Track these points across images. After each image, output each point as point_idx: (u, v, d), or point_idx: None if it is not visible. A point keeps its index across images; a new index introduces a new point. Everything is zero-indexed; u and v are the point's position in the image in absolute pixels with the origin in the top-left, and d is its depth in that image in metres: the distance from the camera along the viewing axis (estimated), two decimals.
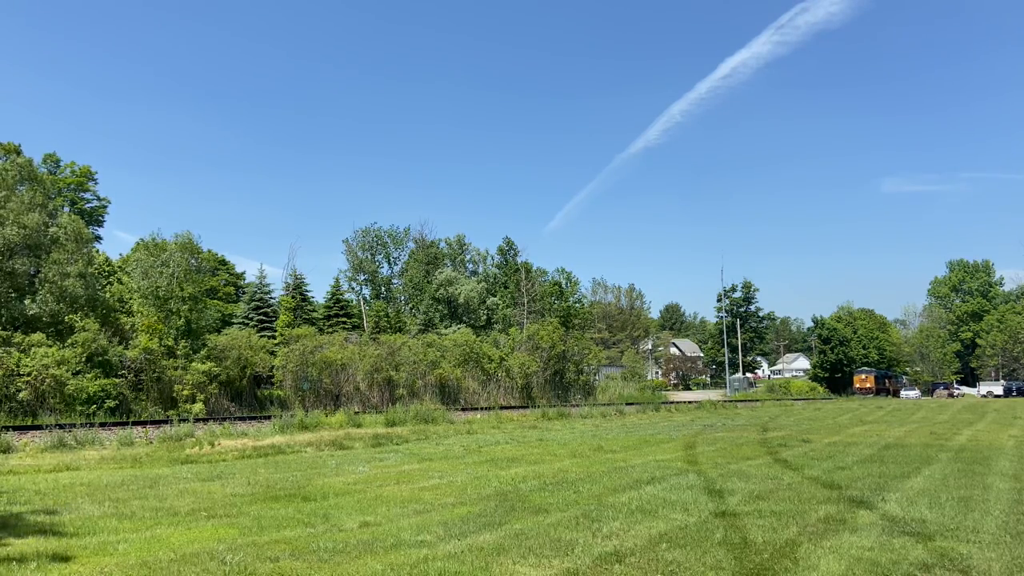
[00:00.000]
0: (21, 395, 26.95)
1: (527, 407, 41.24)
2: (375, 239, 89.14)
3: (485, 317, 76.99)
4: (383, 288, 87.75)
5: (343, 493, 11.55)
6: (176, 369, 31.91)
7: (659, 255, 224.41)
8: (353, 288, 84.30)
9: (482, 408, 39.28)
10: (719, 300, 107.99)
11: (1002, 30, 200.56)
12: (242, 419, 28.58)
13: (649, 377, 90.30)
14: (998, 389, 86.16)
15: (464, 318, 74.58)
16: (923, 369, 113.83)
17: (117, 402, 29.48)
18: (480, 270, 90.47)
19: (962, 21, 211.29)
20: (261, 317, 54.08)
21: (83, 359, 29.36)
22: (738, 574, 6.77)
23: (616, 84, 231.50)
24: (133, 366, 31.23)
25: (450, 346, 45.44)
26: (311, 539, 8.15)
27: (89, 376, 29.05)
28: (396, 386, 39.89)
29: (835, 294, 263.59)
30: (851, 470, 14.22)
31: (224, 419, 27.71)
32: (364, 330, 58.63)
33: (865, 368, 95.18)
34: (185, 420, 25.37)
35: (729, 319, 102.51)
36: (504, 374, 47.45)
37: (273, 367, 37.86)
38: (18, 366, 27.39)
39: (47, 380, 27.28)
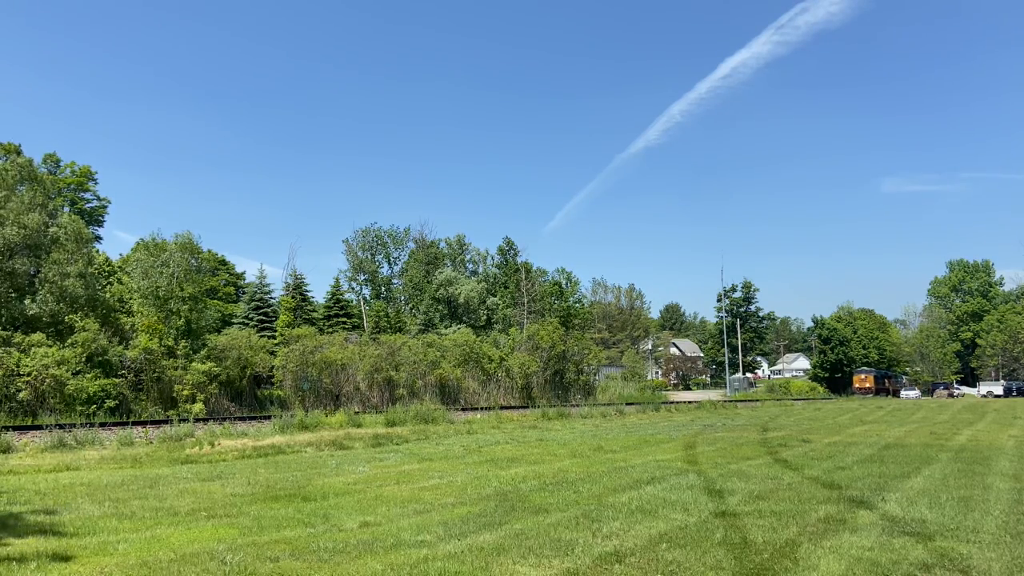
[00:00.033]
0: (21, 395, 26.95)
1: (527, 407, 41.23)
2: (375, 239, 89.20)
3: (485, 317, 76.99)
4: (383, 288, 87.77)
5: (343, 493, 11.55)
6: (176, 369, 31.91)
7: (659, 255, 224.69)
8: (353, 288, 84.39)
9: (482, 408, 39.27)
10: (719, 300, 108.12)
11: (1002, 30, 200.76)
12: (242, 419, 28.57)
13: (649, 377, 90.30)
14: (998, 389, 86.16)
15: (464, 318, 74.58)
16: (923, 369, 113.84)
17: (117, 402, 29.47)
18: (480, 270, 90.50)
19: (962, 21, 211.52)
20: (261, 317, 54.10)
21: (83, 359, 29.36)
22: (738, 574, 6.78)
23: (616, 84, 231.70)
24: (133, 366, 31.23)
25: (450, 346, 45.44)
26: (311, 539, 8.15)
27: (89, 376, 29.04)
28: (396, 386, 39.89)
29: (835, 294, 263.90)
30: (851, 470, 14.22)
31: (224, 419, 27.70)
32: (364, 330, 58.64)
33: (864, 368, 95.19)
34: (185, 420, 25.37)
35: (729, 319, 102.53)
36: (504, 374, 47.44)
37: (273, 367, 37.86)
38: (18, 366, 27.39)
39: (47, 380, 27.27)
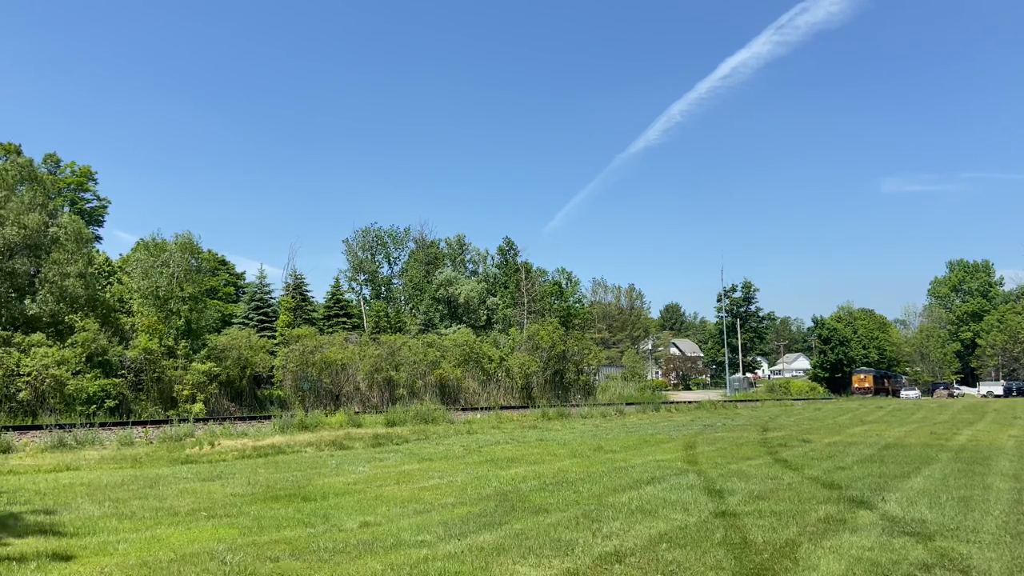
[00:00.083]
0: (21, 395, 26.95)
1: (527, 407, 41.23)
2: (375, 239, 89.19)
3: (485, 317, 77.00)
4: (383, 288, 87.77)
5: (343, 493, 11.55)
6: (176, 369, 31.91)
7: (659, 255, 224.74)
8: (353, 288, 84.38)
9: (482, 408, 39.27)
10: (719, 300, 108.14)
11: (1002, 30, 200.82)
12: (242, 419, 28.57)
13: (649, 377, 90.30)
14: (998, 389, 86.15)
15: (464, 318, 74.59)
16: (923, 369, 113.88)
17: (117, 402, 29.47)
18: (480, 270, 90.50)
19: (962, 21, 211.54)
20: (261, 317, 54.10)
21: (83, 359, 29.36)
22: (738, 574, 6.78)
23: (616, 84, 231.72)
24: (133, 366, 31.23)
25: (450, 346, 45.44)
26: (311, 539, 8.15)
27: (89, 376, 29.04)
28: (396, 386, 39.88)
29: (835, 294, 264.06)
30: (851, 470, 14.22)
31: (224, 419, 27.70)
32: (364, 330, 58.64)
33: (864, 368, 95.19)
34: (185, 420, 25.36)
35: (729, 319, 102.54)
36: (504, 374, 47.44)
37: (273, 367, 37.86)
38: (18, 366, 27.38)
39: (47, 380, 27.27)
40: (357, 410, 33.03)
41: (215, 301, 56.68)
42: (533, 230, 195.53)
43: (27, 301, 31.37)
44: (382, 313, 70.27)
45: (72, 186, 62.23)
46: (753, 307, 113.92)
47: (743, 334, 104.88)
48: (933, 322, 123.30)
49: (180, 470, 14.76)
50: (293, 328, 42.48)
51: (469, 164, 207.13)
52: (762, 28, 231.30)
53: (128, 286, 37.82)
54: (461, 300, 75.76)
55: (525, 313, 78.47)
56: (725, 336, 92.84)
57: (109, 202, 65.51)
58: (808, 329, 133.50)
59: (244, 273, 77.92)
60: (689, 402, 52.49)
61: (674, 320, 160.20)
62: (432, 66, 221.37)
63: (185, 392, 31.37)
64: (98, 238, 62.21)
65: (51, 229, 33.12)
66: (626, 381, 67.50)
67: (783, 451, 18.11)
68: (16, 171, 33.67)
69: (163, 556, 7.32)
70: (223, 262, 72.22)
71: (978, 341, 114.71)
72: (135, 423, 24.95)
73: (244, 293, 68.82)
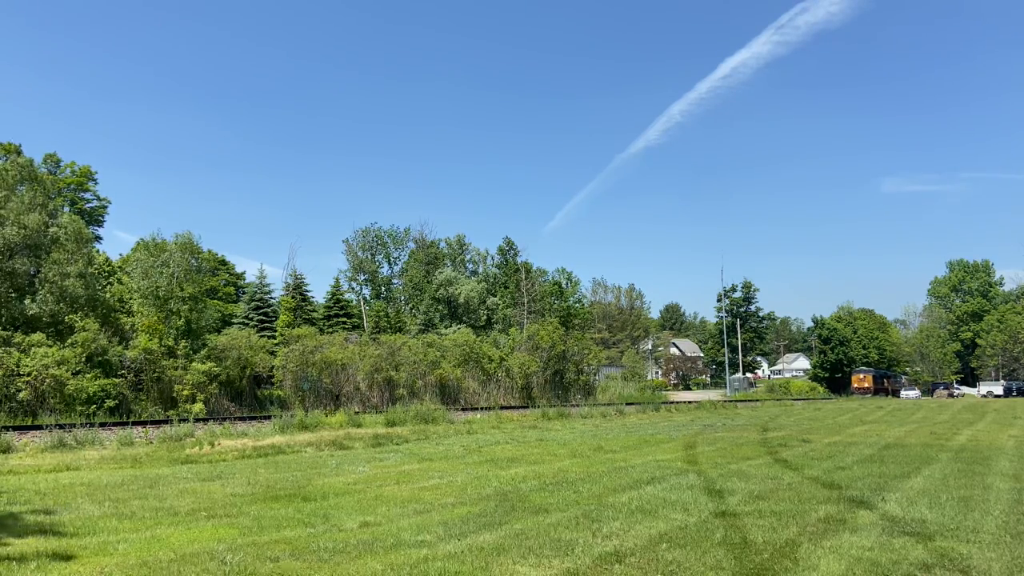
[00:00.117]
0: (21, 395, 26.95)
1: (527, 407, 41.23)
2: (375, 239, 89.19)
3: (485, 317, 77.00)
4: (383, 288, 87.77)
5: (343, 493, 11.55)
6: (176, 369, 31.91)
7: (659, 255, 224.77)
8: (353, 288, 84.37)
9: (482, 408, 39.27)
10: (719, 300, 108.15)
11: (1002, 30, 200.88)
12: (242, 419, 28.57)
13: (649, 377, 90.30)
14: (998, 389, 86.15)
15: (464, 318, 74.59)
16: (923, 369, 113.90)
17: (117, 402, 29.47)
18: (480, 270, 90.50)
19: (962, 21, 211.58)
20: (261, 317, 54.10)
21: (83, 359, 29.36)
22: (738, 574, 6.78)
23: (616, 84, 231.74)
24: (133, 366, 31.23)
25: (450, 346, 45.44)
26: (311, 539, 8.15)
27: (89, 376, 29.04)
28: (396, 386, 39.88)
29: (835, 294, 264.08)
30: (851, 470, 14.22)
31: (224, 419, 27.70)
32: (364, 330, 58.65)
33: (863, 368, 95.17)
34: (185, 420, 25.36)
35: (729, 319, 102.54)
36: (504, 374, 47.44)
37: (273, 367, 37.86)
38: (18, 366, 27.38)
39: (47, 380, 27.27)
40: (357, 410, 33.03)
41: (215, 301, 56.68)
42: (533, 230, 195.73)
43: (27, 301, 31.37)
44: (382, 313, 70.27)
45: (72, 186, 62.23)
46: (753, 307, 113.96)
47: (743, 334, 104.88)
48: (933, 322, 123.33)
49: (180, 470, 14.76)
50: (293, 328, 42.49)
51: (469, 164, 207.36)
52: (762, 28, 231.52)
53: (128, 286, 37.82)
54: (461, 300, 75.77)
55: (525, 313, 78.47)
56: (725, 336, 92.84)
57: (109, 202, 65.59)
58: (808, 329, 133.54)
59: (244, 273, 78.03)
60: (689, 402, 52.50)
61: (674, 320, 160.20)
62: (432, 66, 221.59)
63: (185, 392, 31.37)
64: (98, 238, 62.28)
65: (51, 229, 33.12)
66: (626, 381, 67.49)
67: (783, 451, 18.11)
68: (16, 171, 33.67)
69: (163, 556, 7.32)
70: (223, 262, 72.23)
71: (978, 341, 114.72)
72: (135, 423, 24.95)
73: (244, 293, 68.85)
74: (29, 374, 27.20)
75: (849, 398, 79.27)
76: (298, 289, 58.90)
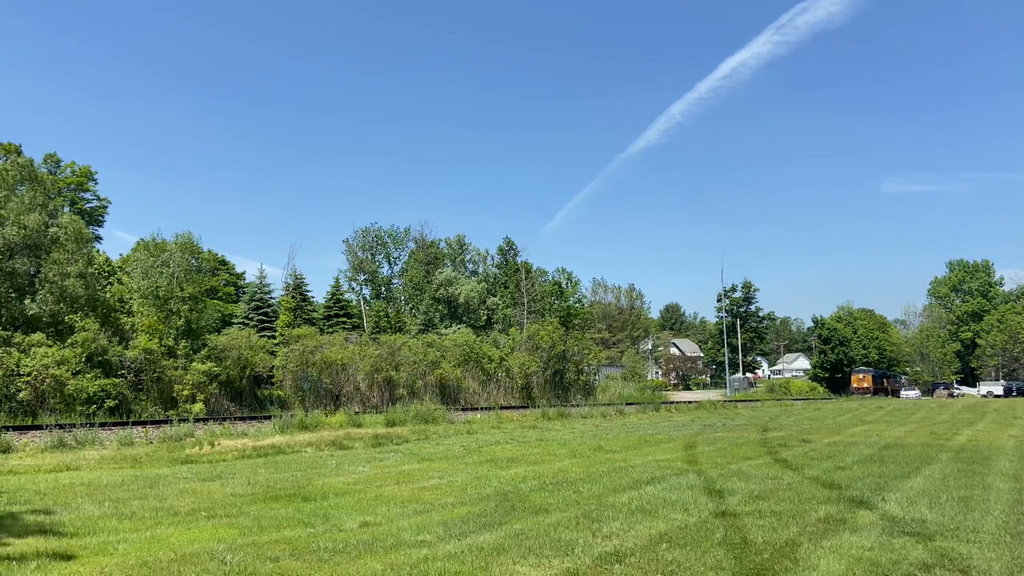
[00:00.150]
0: (21, 395, 26.95)
1: (527, 407, 41.23)
2: (375, 239, 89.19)
3: (485, 317, 77.00)
4: (383, 288, 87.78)
5: (343, 493, 11.55)
6: (176, 369, 31.91)
7: (659, 255, 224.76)
8: (353, 288, 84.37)
9: (482, 408, 39.27)
10: (719, 300, 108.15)
11: (1002, 30, 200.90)
12: (242, 419, 28.57)
13: (649, 377, 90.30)
14: (998, 389, 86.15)
15: (464, 318, 74.59)
16: (923, 369, 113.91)
17: (117, 402, 29.47)
18: (480, 270, 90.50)
19: (962, 21, 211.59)
20: (261, 317, 54.10)
21: (83, 359, 29.36)
22: (738, 574, 6.78)
23: (616, 84, 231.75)
24: (133, 366, 31.22)
25: (450, 346, 45.44)
26: (311, 539, 8.15)
27: (89, 376, 29.04)
28: (396, 386, 39.88)
29: (835, 294, 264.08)
30: (851, 470, 14.22)
31: (224, 419, 27.70)
32: (364, 330, 58.65)
33: (863, 368, 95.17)
34: (185, 420, 25.36)
35: (729, 319, 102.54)
36: (504, 374, 47.44)
37: (273, 367, 37.86)
38: (18, 366, 27.38)
39: (47, 380, 27.27)
40: (357, 410, 33.03)
41: (215, 301, 56.67)
42: (533, 230, 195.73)
43: (27, 301, 31.37)
44: (382, 313, 70.27)
45: (72, 186, 62.24)
46: (753, 307, 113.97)
47: (743, 334, 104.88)
48: (933, 322, 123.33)
49: (180, 470, 14.76)
50: (293, 328, 42.49)
51: (469, 164, 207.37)
52: (762, 28, 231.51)
53: (128, 286, 37.82)
54: (461, 300, 75.77)
55: (525, 313, 78.47)
56: (725, 336, 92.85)
57: (109, 202, 65.61)
58: (808, 329, 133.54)
59: (244, 273, 78.04)
60: (689, 402, 52.50)
61: (674, 320, 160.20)
62: (432, 66, 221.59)
63: (185, 392, 31.37)
64: (98, 238, 62.28)
65: (51, 229, 33.12)
66: (626, 381, 67.48)
67: (783, 451, 18.11)
68: (16, 171, 33.67)
69: (163, 556, 7.32)
70: (223, 262, 72.23)
71: (978, 341, 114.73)
72: (135, 423, 24.95)
73: (244, 293, 68.85)
74: (29, 374, 27.20)
75: (849, 398, 79.27)
76: (298, 289, 58.90)
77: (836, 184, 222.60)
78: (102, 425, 22.80)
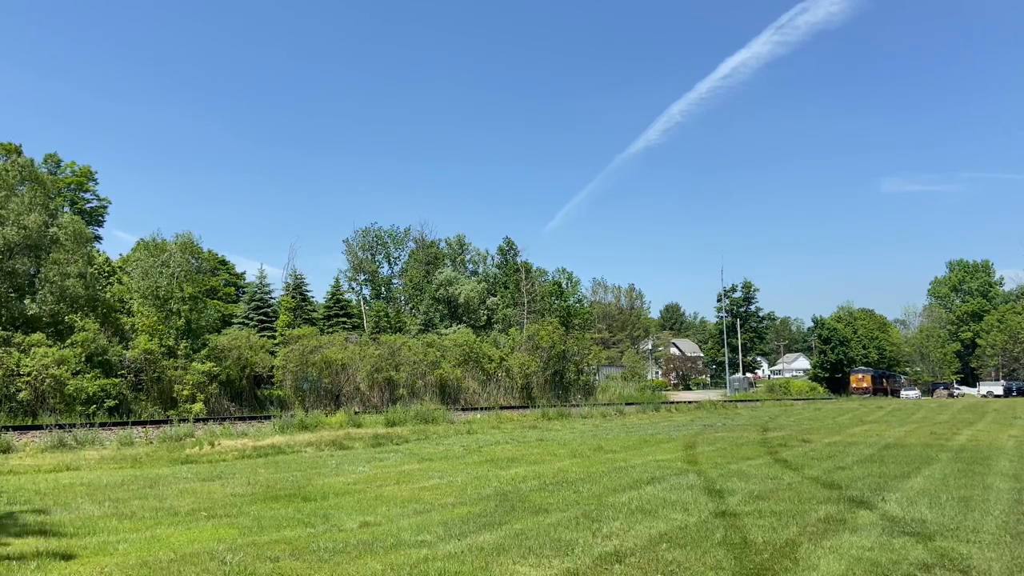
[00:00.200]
0: (21, 395, 26.95)
1: (527, 407, 41.22)
2: (375, 239, 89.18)
3: (485, 317, 77.00)
4: (383, 288, 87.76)
5: (343, 493, 11.55)
6: (176, 369, 31.91)
7: (659, 255, 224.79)
8: (353, 288, 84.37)
9: (482, 408, 39.26)
10: (719, 300, 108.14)
11: (1002, 30, 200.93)
12: (242, 419, 28.57)
13: (649, 377, 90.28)
14: (998, 389, 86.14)
15: (464, 318, 74.59)
16: (923, 369, 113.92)
17: (117, 402, 29.47)
18: (480, 270, 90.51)
19: (962, 21, 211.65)
20: (261, 317, 54.09)
21: (83, 359, 29.35)
22: (738, 574, 6.77)
23: (616, 84, 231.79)
24: (133, 366, 31.22)
25: (450, 346, 45.44)
26: (311, 539, 8.15)
27: (89, 376, 29.04)
28: (396, 386, 39.88)
29: (835, 294, 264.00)
30: (851, 470, 14.22)
31: (224, 419, 27.70)
32: (364, 330, 58.64)
33: (862, 368, 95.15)
34: (185, 420, 25.37)
35: (729, 319, 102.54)
36: (504, 374, 47.43)
37: (273, 367, 37.86)
38: (18, 366, 27.38)
39: (47, 380, 27.27)
40: (357, 410, 33.02)
41: (215, 301, 56.67)
42: (533, 230, 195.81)
43: (27, 301, 31.37)
44: (382, 313, 70.26)
45: (72, 186, 62.23)
46: (753, 307, 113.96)
47: (743, 334, 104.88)
48: (933, 322, 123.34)
49: (180, 470, 14.75)
50: (293, 328, 42.48)
51: (469, 164, 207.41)
52: (762, 28, 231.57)
53: (128, 286, 37.82)
54: (461, 300, 75.76)
55: (525, 313, 78.46)
56: (725, 336, 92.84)
57: (109, 202, 65.59)
58: (808, 329, 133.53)
59: (244, 273, 78.01)
60: (689, 402, 52.49)
61: (674, 320, 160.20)
62: (432, 66, 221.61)
63: (185, 392, 31.37)
64: (98, 238, 62.25)
65: (51, 229, 33.12)
66: (626, 381, 67.46)
67: (783, 451, 18.11)
68: (16, 171, 33.66)
69: (163, 556, 7.32)
70: (223, 262, 72.22)
71: (978, 341, 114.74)
72: (135, 423, 24.95)
73: (244, 293, 68.83)
74: (29, 374, 27.20)
75: (849, 398, 79.27)
76: (298, 289, 58.88)
77: (836, 184, 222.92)
78: (102, 425, 22.81)
